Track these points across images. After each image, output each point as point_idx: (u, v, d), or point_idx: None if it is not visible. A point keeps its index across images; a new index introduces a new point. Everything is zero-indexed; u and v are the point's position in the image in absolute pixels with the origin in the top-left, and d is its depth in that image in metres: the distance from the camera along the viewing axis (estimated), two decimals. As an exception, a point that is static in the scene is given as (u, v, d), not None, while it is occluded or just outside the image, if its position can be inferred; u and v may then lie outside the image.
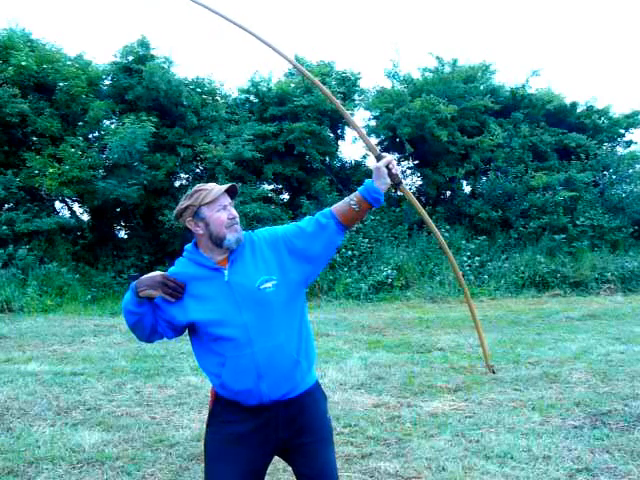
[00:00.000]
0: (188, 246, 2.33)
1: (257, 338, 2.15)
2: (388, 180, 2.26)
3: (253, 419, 2.21)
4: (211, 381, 2.29)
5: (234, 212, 2.24)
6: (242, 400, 2.20)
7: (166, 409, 4.94)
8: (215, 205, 2.21)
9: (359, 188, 2.28)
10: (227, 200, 2.24)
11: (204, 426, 4.32)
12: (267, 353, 2.16)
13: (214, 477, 2.22)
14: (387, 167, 2.25)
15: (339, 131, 16.86)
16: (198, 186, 2.27)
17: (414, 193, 17.39)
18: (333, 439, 2.37)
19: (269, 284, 2.19)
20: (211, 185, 2.26)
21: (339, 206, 2.29)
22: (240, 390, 2.18)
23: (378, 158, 2.28)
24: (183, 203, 2.26)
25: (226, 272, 2.20)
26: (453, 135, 15.48)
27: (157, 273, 2.21)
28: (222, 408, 2.27)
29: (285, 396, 2.21)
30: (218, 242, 2.20)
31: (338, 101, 2.45)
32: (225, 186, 2.24)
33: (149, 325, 2.24)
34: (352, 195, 2.28)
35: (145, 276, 2.21)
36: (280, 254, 2.25)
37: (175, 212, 2.31)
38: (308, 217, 2.32)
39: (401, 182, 2.31)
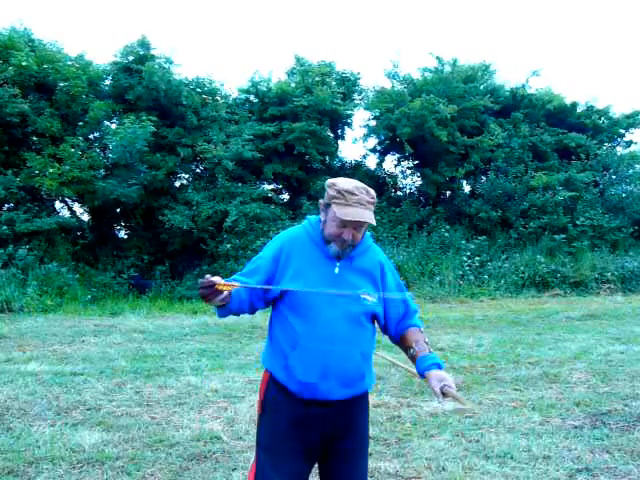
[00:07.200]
0: (313, 219, 2.30)
1: (337, 339, 2.13)
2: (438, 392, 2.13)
3: (303, 408, 2.17)
4: (271, 362, 2.24)
5: (351, 236, 2.15)
6: (298, 391, 2.17)
7: (166, 409, 4.93)
8: (338, 219, 2.13)
9: (428, 364, 2.22)
10: (354, 224, 2.14)
11: (204, 426, 4.37)
12: (340, 357, 2.14)
13: (269, 468, 2.17)
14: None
15: (339, 131, 16.86)
16: (348, 186, 2.14)
17: (414, 193, 17.40)
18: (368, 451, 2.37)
19: (370, 297, 2.21)
20: (355, 197, 2.11)
21: (416, 335, 2.31)
22: (301, 381, 2.14)
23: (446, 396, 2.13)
24: (331, 186, 2.18)
25: (338, 265, 2.20)
26: (453, 135, 15.47)
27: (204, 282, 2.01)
28: (277, 393, 2.21)
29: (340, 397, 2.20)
30: (324, 239, 2.20)
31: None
32: (357, 218, 2.10)
33: (237, 309, 2.17)
34: (422, 350, 2.28)
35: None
36: (383, 285, 2.28)
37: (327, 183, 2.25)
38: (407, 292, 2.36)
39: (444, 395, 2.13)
